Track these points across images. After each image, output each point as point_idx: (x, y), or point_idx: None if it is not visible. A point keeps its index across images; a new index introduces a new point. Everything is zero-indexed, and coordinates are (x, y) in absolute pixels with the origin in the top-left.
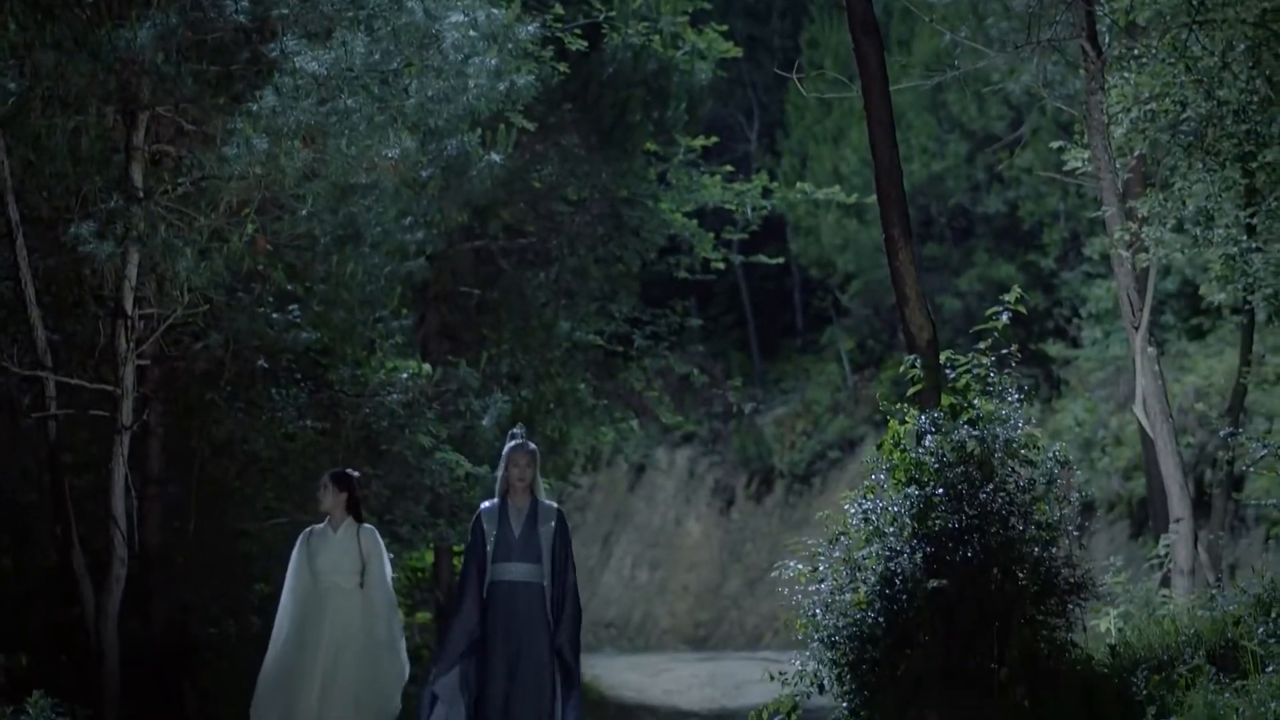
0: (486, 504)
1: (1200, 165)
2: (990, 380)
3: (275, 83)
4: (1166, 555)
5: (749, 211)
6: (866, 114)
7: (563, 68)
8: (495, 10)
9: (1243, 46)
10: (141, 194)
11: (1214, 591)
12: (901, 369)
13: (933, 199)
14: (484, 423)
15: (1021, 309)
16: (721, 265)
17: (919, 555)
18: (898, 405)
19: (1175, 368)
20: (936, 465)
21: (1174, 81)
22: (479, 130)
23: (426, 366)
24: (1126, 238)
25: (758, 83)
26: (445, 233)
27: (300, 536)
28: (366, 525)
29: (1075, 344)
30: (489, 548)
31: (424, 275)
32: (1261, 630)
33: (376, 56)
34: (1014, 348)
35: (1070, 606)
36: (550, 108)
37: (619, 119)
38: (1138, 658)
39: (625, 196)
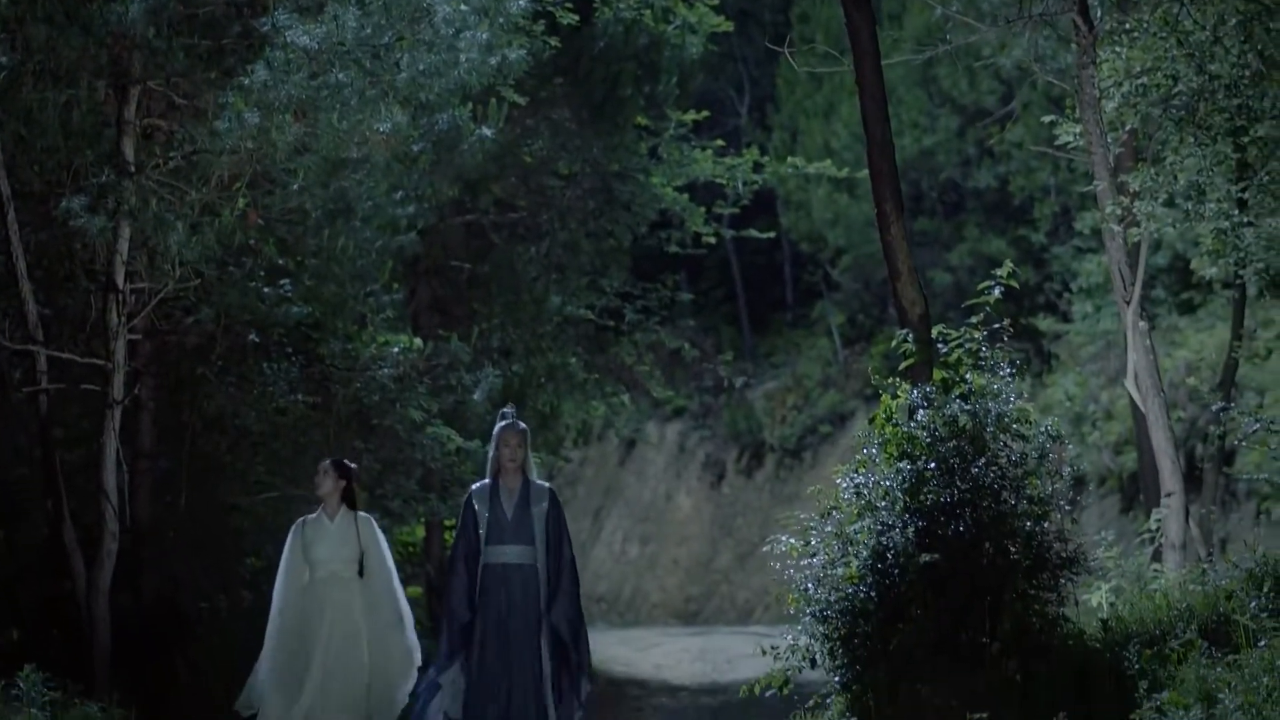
0: (477, 485)
1: (1192, 140)
2: (982, 355)
3: (266, 57)
4: (1158, 530)
5: (740, 186)
6: (859, 88)
7: (554, 42)
8: None
9: (1234, 21)
10: (133, 168)
11: (1205, 566)
12: (893, 343)
13: (923, 174)
14: (475, 397)
15: (1014, 283)
16: (712, 240)
17: (911, 530)
18: (890, 380)
19: (1166, 342)
20: (928, 440)
21: (1166, 56)
22: (470, 104)
23: (417, 341)
24: (1118, 212)
25: (748, 57)
26: (436, 207)
27: (294, 528)
28: (363, 514)
29: (1066, 319)
30: (481, 530)
31: (415, 249)
32: (1254, 604)
33: (368, 31)
34: (1006, 322)
35: (1062, 581)
36: (541, 82)
37: (610, 93)
38: (1129, 632)
39: (616, 171)
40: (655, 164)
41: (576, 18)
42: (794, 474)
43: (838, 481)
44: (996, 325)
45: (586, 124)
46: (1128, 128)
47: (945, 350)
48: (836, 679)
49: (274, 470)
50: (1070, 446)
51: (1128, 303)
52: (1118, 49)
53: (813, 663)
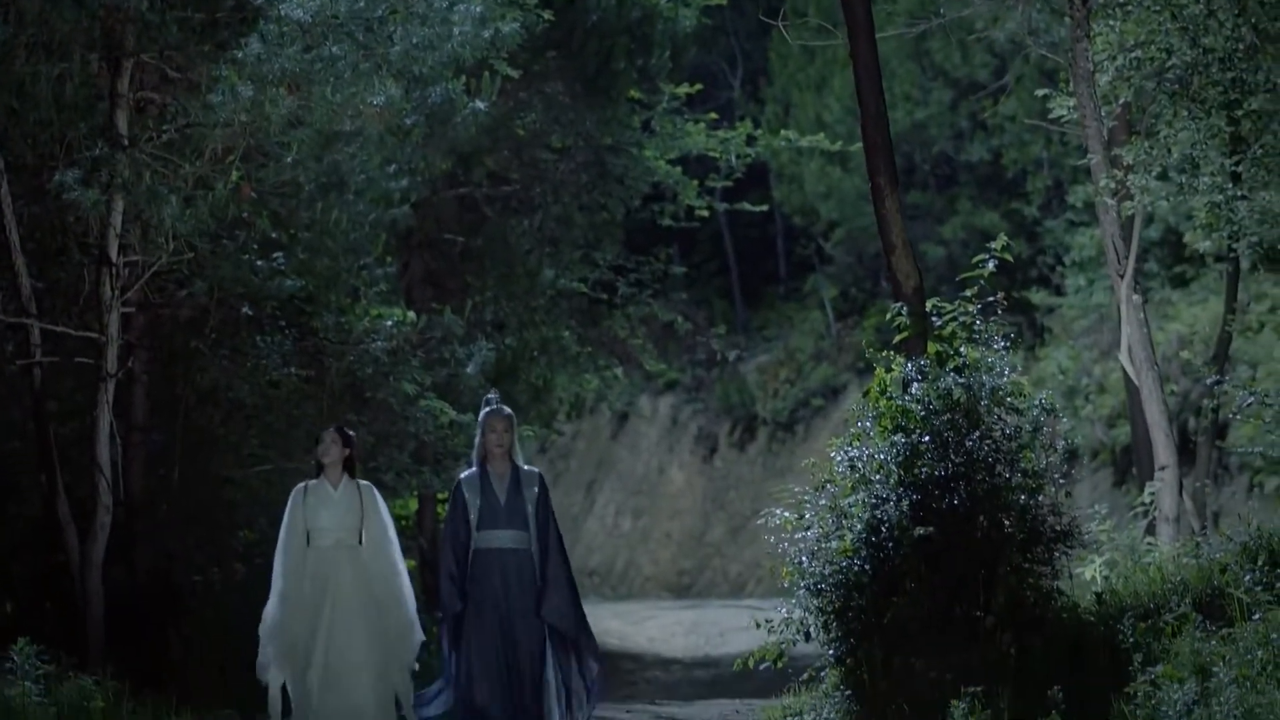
0: (465, 473)
1: (1186, 113)
2: (976, 328)
3: (260, 30)
4: (1151, 503)
5: (733, 159)
6: (853, 61)
7: (547, 15)
8: None
9: None
10: (126, 141)
11: (1199, 539)
12: (888, 316)
13: (916, 147)
14: (468, 370)
15: (1008, 256)
16: (705, 213)
17: (905, 503)
18: (884, 353)
19: (1159, 316)
20: (923, 413)
21: (1160, 29)
22: (463, 77)
23: (411, 314)
24: (1112, 186)
25: (741, 30)
26: (429, 180)
27: (295, 492)
28: (365, 482)
29: (1058, 292)
30: (473, 516)
31: (408, 223)
32: (1248, 578)
33: (361, 3)
34: (1000, 295)
35: (1056, 555)
36: (534, 55)
37: (603, 66)
38: (1124, 605)
39: (609, 144)
40: (648, 137)
41: None
42: (786, 447)
43: (832, 455)
44: (991, 298)
45: (579, 97)
46: (1121, 101)
47: (940, 323)
48: (830, 652)
49: (267, 443)
50: (1064, 420)
51: (1121, 276)
52: (1111, 22)
53: (807, 636)
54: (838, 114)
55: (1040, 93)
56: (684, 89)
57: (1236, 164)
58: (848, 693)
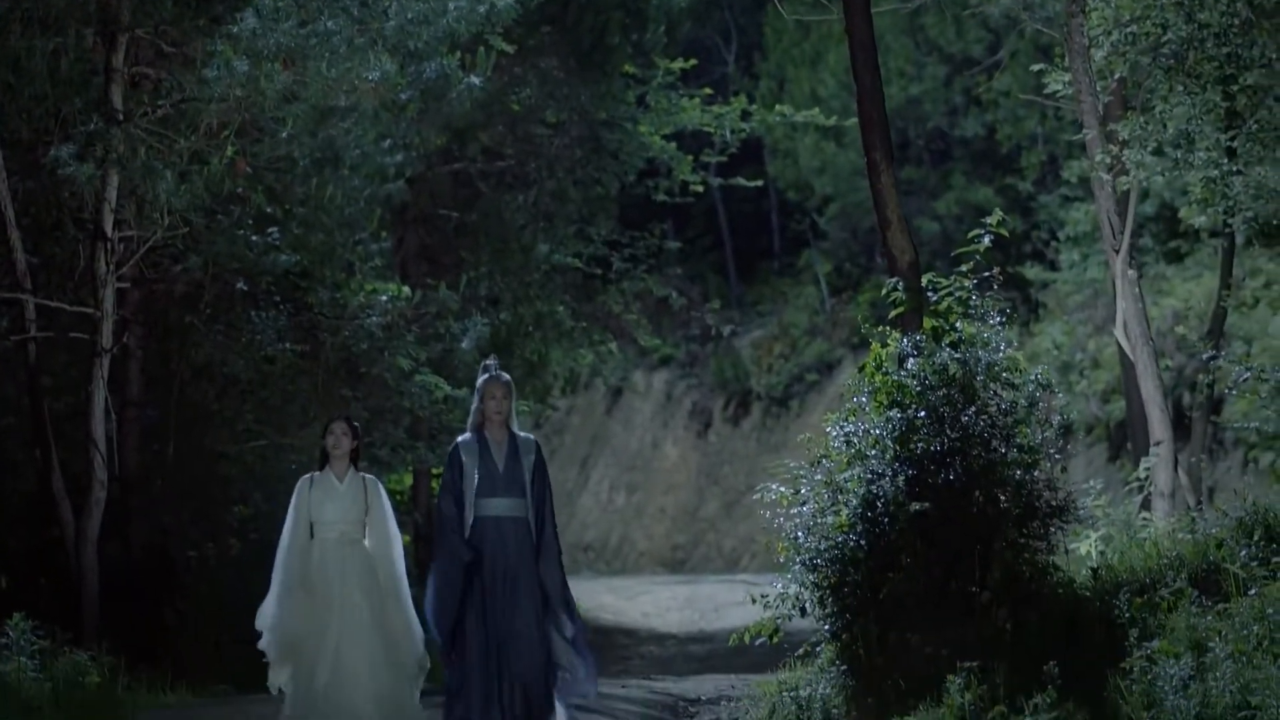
0: (462, 438)
1: (1181, 88)
2: (972, 303)
3: (255, 4)
4: (1147, 478)
5: (727, 134)
6: (848, 36)
7: None
8: None
9: None
10: (121, 116)
11: (1195, 514)
12: (883, 292)
13: (910, 122)
14: (463, 345)
15: (1004, 231)
16: (699, 188)
17: (901, 478)
18: (880, 328)
19: (1153, 291)
20: (918, 388)
21: (1155, 4)
22: (458, 53)
23: (405, 289)
24: (1107, 161)
25: (736, 4)
26: (424, 155)
27: (300, 484)
28: (369, 475)
29: (1053, 267)
30: (473, 483)
31: (403, 198)
32: (1244, 553)
33: None
34: (996, 270)
35: (1052, 530)
36: (529, 30)
37: (597, 41)
38: (1119, 580)
39: (604, 119)
40: (643, 112)
41: None
42: (780, 422)
43: (828, 430)
44: (986, 274)
45: (574, 72)
46: (1116, 76)
47: (935, 299)
48: (826, 627)
49: (262, 418)
50: (1059, 395)
51: (1116, 251)
52: None
53: (802, 611)
54: (832, 89)
55: (1035, 68)
56: (679, 64)
57: (1232, 139)
58: (843, 668)
